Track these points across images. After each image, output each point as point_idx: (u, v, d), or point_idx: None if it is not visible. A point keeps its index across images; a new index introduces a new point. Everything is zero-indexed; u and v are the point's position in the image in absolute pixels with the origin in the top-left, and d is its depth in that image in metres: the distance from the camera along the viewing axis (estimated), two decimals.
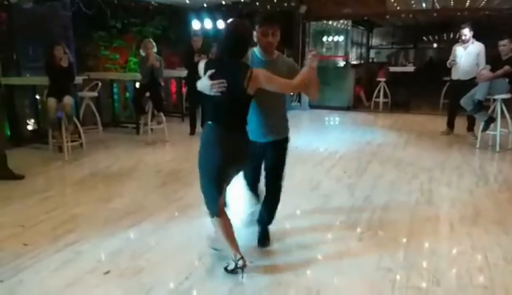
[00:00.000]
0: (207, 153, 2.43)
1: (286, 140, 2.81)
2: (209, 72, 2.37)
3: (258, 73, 2.37)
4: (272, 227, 3.05)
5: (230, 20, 2.58)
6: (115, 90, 8.10)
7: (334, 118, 8.95)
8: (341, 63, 10.07)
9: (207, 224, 3.44)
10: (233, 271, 2.53)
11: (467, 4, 9.31)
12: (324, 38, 10.31)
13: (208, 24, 9.62)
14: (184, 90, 8.34)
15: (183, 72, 7.34)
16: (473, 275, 2.58)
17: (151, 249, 2.96)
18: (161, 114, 6.50)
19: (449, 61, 6.55)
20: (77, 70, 6.05)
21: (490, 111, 5.83)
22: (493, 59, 5.76)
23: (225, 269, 2.59)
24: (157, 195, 4.11)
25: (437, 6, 9.33)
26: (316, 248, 2.96)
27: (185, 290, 2.45)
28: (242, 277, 2.51)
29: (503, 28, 8.06)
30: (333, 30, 10.33)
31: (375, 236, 3.16)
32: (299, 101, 9.71)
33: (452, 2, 9.47)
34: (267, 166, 2.83)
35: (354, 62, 10.73)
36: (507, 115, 5.63)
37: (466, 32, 6.27)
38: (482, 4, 9.26)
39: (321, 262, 2.79)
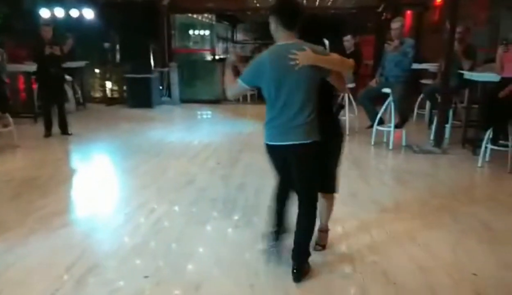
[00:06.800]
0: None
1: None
2: None
3: None
4: (142, 224, 2.93)
5: None
6: None
7: (205, 112, 9.03)
8: (209, 57, 10.21)
9: (73, 232, 3.16)
10: None
11: (317, 3, 10.38)
12: (191, 32, 10.35)
13: (59, 12, 8.69)
14: (35, 86, 7.38)
15: (33, 67, 6.49)
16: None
17: (8, 269, 2.58)
18: (7, 115, 5.65)
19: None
20: None
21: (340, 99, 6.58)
22: (339, 53, 6.49)
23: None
24: (11, 208, 3.60)
25: None
26: (196, 241, 2.98)
27: None
28: None
29: (347, 26, 9.22)
30: (199, 24, 10.44)
31: (250, 221, 3.31)
32: (170, 96, 9.48)
33: (305, 0, 10.42)
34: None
35: (222, 56, 10.99)
36: (353, 103, 6.46)
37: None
38: (329, 4, 10.45)
39: (202, 254, 2.83)
